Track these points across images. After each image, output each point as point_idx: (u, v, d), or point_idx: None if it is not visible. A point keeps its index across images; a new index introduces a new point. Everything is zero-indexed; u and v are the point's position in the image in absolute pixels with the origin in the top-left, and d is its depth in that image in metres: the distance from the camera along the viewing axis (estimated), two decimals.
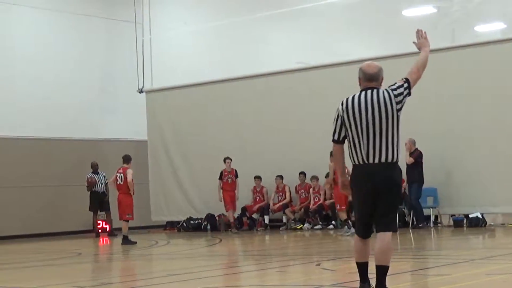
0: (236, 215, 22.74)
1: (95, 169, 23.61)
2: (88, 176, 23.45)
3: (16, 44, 24.18)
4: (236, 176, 22.48)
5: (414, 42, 7.91)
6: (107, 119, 25.75)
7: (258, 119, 23.15)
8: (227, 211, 22.51)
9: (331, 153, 20.07)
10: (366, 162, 7.41)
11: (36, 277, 12.33)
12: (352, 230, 18.66)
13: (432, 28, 24.02)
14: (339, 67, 21.78)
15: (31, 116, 24.02)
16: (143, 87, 25.44)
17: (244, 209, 22.86)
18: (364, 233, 7.55)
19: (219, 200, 22.39)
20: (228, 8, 27.26)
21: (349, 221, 19.03)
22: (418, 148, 19.58)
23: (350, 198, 20.07)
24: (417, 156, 19.48)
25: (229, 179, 22.47)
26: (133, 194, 19.09)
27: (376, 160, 7.37)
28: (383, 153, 7.37)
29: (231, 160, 22.47)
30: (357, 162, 7.47)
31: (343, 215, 19.58)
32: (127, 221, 19.00)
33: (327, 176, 20.82)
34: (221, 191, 22.40)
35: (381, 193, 7.38)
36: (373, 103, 7.40)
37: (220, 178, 22.44)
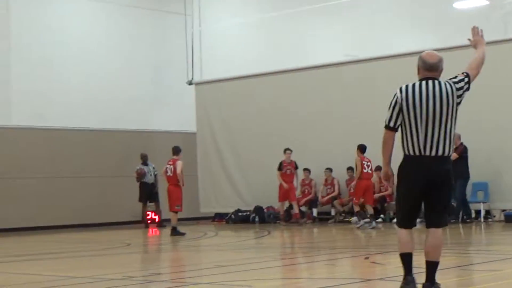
0: (285, 207, 22.64)
1: (144, 160, 23.76)
2: (138, 168, 23.61)
3: (68, 37, 24.42)
4: (296, 167, 22.27)
5: (469, 39, 7.72)
6: (157, 111, 25.91)
7: (306, 112, 23.06)
8: (279, 201, 22.31)
9: (358, 147, 20.21)
10: (422, 153, 7.21)
11: (86, 267, 12.44)
12: (362, 222, 19.67)
13: (484, 21, 23.66)
14: (388, 60, 21.63)
15: (82, 107, 24.29)
16: (192, 79, 25.53)
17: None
18: (409, 223, 7.40)
19: (286, 188, 22.11)
20: (278, 0, 27.18)
21: (364, 212, 19.96)
22: (463, 143, 19.30)
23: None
24: (461, 151, 19.20)
25: (287, 170, 22.19)
26: (183, 186, 19.14)
27: (433, 153, 7.18)
28: (440, 146, 7.18)
29: (291, 151, 22.19)
30: (411, 153, 7.26)
31: (356, 208, 20.26)
32: (176, 212, 19.08)
33: (376, 169, 20.66)
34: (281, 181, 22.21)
35: (435, 187, 7.22)
36: (434, 94, 7.20)
37: (279, 169, 22.24)
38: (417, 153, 7.22)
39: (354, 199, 20.41)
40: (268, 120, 23.84)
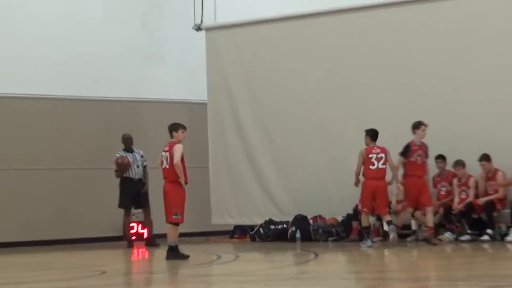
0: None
1: (128, 145, 23.70)
2: (118, 156, 23.54)
3: None
4: (427, 155, 21.11)
5: None
6: (150, 71, 26.07)
7: (361, 69, 23.28)
8: (403, 208, 21.59)
9: (366, 132, 20.37)
10: None
11: None
12: (369, 243, 20.48)
13: None
14: None
15: (44, 69, 24.49)
16: (201, 22, 25.54)
17: (355, 210, 22.54)
18: None
19: (402, 191, 21.55)
20: None
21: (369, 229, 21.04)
22: None
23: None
24: None
25: (417, 158, 21.00)
26: (185, 183, 18.91)
27: None
28: None
29: (426, 126, 20.87)
30: None
31: (364, 221, 21.01)
32: (176, 224, 18.89)
33: (481, 159, 20.56)
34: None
35: None
36: None
37: (405, 154, 20.96)
38: None
39: (360, 206, 21.01)
40: (312, 85, 23.89)
